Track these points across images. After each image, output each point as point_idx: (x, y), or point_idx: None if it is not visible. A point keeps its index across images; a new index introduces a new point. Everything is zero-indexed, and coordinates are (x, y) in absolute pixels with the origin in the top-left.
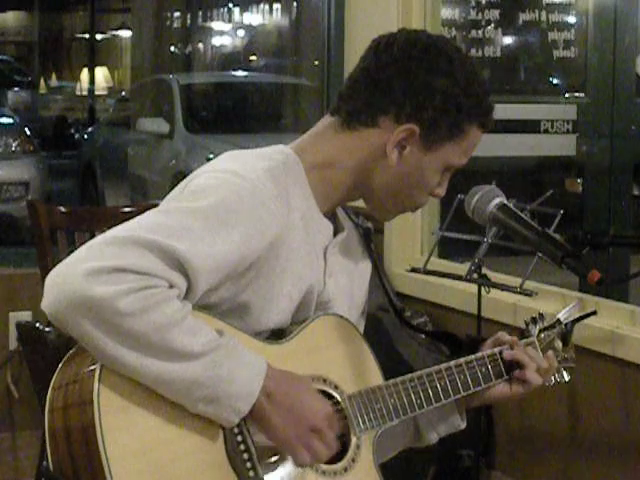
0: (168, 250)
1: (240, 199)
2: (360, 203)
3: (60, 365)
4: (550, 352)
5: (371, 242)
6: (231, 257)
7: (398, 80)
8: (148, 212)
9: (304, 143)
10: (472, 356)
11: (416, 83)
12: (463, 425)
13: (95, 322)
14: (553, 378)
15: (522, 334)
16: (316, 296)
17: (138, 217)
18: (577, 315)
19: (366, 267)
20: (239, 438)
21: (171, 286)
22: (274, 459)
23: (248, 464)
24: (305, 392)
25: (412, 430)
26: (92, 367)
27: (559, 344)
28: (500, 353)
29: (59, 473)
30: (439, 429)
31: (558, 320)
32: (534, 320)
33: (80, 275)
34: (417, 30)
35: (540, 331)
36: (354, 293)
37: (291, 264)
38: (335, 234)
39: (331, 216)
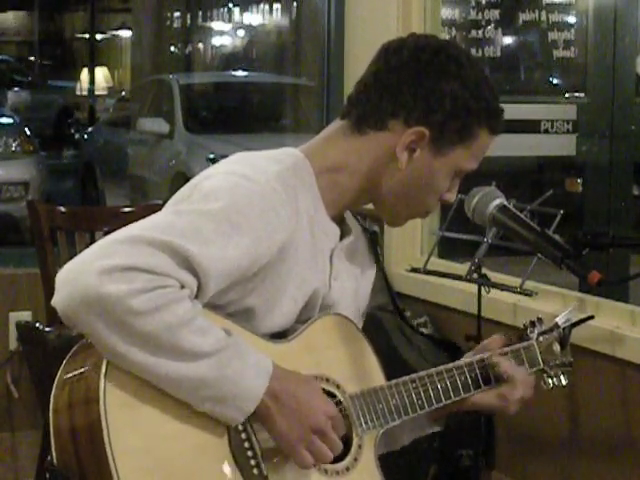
0: (180, 251)
1: (251, 204)
2: (368, 205)
3: (64, 363)
4: (522, 368)
5: (377, 246)
6: (241, 262)
7: (408, 84)
8: (160, 212)
9: (314, 146)
10: (473, 357)
11: (426, 86)
12: (436, 429)
13: (106, 320)
14: (551, 381)
15: (521, 337)
16: (321, 299)
17: (150, 217)
18: (575, 319)
19: (371, 271)
20: (243, 436)
21: (182, 286)
22: (278, 457)
23: (252, 461)
24: (310, 393)
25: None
26: (97, 364)
27: (557, 347)
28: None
29: (64, 468)
30: (411, 434)
31: (556, 324)
32: (533, 324)
33: (93, 273)
34: (427, 35)
35: (539, 335)
36: (358, 296)
37: (297, 267)
38: (342, 238)
39: (339, 220)
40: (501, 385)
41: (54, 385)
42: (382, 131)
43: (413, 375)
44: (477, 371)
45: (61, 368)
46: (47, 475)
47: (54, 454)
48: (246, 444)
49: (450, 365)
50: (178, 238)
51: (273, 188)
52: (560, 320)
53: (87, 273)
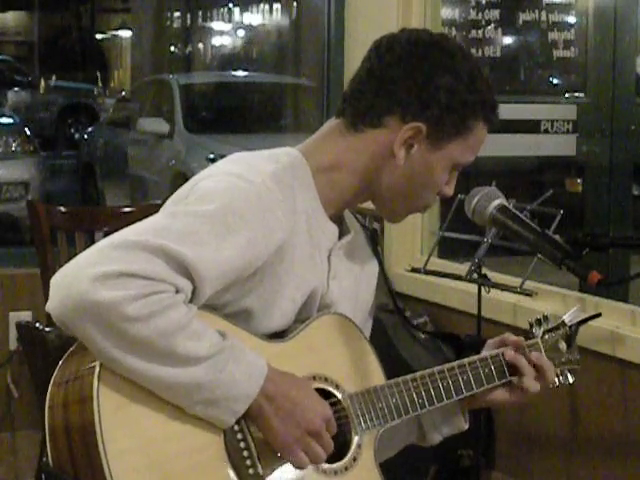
0: (175, 255)
1: (247, 204)
2: (368, 204)
3: (60, 362)
4: (550, 363)
5: (377, 244)
6: (237, 263)
7: (402, 79)
8: (155, 215)
9: (311, 145)
10: (475, 357)
11: (420, 81)
12: (466, 426)
13: (100, 326)
14: (557, 380)
15: (526, 335)
16: (319, 298)
17: (145, 220)
18: (582, 317)
19: (373, 269)
20: (239, 436)
21: (177, 291)
22: (274, 457)
23: (248, 461)
24: (304, 394)
25: (416, 430)
26: (92, 364)
27: (563, 346)
28: (502, 354)
29: (59, 469)
30: (442, 430)
31: (563, 322)
32: (538, 321)
33: (87, 279)
34: (418, 29)
35: (544, 332)
36: (359, 295)
37: (295, 267)
38: (341, 237)
39: (337, 219)
40: (520, 379)
41: (50, 385)
42: (378, 128)
43: (414, 374)
44: (502, 363)
45: (57, 368)
46: (43, 476)
47: (49, 454)
48: (242, 444)
49: (453, 364)
50: (173, 242)
51: (269, 188)
52: (567, 318)
53: (81, 279)
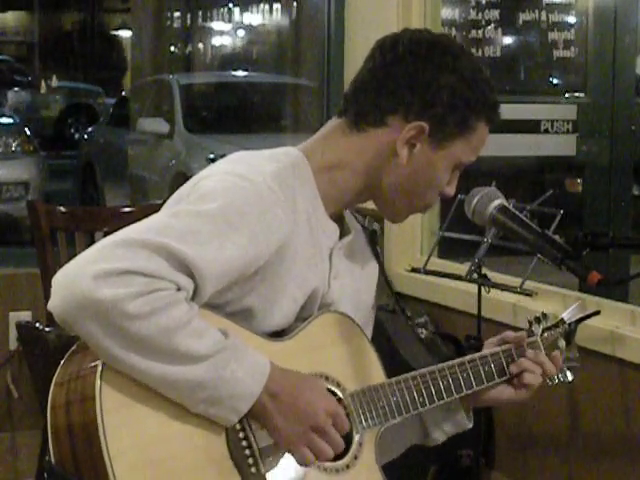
0: (176, 254)
1: (247, 204)
2: (369, 204)
3: (62, 362)
4: (556, 352)
5: (377, 244)
6: (238, 262)
7: (405, 78)
8: (157, 214)
9: (312, 145)
10: (476, 355)
11: (423, 81)
12: (470, 425)
13: (102, 324)
14: (557, 378)
15: (525, 333)
16: (320, 298)
17: (147, 219)
18: (581, 315)
19: (373, 269)
20: (241, 434)
21: (179, 289)
22: (276, 455)
23: (250, 460)
24: (309, 391)
25: (419, 429)
26: (94, 364)
27: (562, 343)
28: (504, 352)
29: (61, 468)
30: (445, 428)
31: (562, 320)
32: (537, 319)
33: (88, 277)
34: (420, 29)
35: (543, 330)
36: (360, 295)
37: (296, 267)
38: (341, 236)
39: (338, 218)
40: (522, 375)
41: (52, 384)
42: (381, 128)
43: (414, 372)
44: (503, 361)
45: (59, 367)
46: (45, 475)
47: (52, 453)
48: (244, 442)
49: (453, 362)
50: (174, 240)
51: (270, 188)
52: (566, 316)
53: (83, 277)
